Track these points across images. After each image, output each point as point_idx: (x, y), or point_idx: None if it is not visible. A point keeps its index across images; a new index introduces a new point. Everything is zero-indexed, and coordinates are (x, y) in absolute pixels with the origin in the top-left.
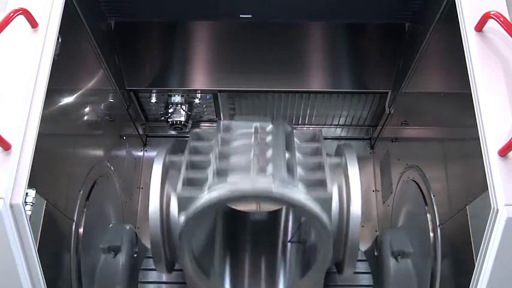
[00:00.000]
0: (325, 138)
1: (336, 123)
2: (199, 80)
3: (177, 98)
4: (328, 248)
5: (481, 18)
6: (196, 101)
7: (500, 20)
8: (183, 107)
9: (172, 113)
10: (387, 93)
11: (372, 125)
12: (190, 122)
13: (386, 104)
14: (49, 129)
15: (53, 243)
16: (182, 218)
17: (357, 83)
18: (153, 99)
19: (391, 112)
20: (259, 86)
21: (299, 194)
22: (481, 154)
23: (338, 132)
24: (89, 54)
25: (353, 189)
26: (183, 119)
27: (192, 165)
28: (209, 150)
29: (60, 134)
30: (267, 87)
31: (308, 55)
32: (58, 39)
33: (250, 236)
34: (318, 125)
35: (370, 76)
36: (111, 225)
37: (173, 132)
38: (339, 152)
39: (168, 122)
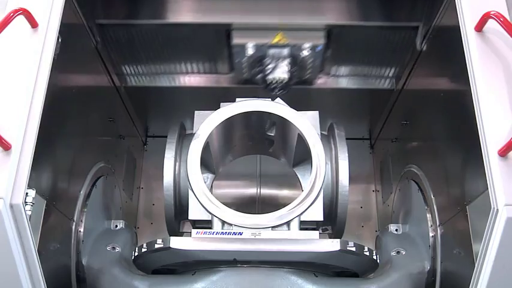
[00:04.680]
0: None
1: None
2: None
3: (277, 51)
4: None
5: (481, 18)
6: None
7: (500, 20)
8: (286, 61)
9: (273, 69)
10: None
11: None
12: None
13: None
14: (49, 129)
15: (53, 243)
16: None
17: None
18: (250, 51)
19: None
20: None
21: None
22: (481, 154)
23: None
24: (89, 54)
25: (341, 162)
26: (286, 76)
27: None
28: None
29: (60, 133)
30: None
31: None
32: (58, 39)
33: None
34: None
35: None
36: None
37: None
38: (330, 129)
39: (266, 80)
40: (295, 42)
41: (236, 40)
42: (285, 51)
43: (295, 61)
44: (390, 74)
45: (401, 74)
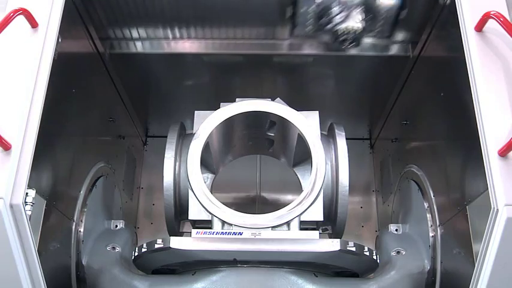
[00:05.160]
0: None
1: None
2: None
3: None
4: None
5: (481, 18)
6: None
7: (500, 20)
8: (359, 9)
9: (345, 18)
10: None
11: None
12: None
13: None
14: (49, 129)
15: (53, 243)
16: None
17: None
18: None
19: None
20: None
21: None
22: (481, 154)
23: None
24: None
25: (341, 162)
26: (359, 26)
27: None
28: None
29: (60, 134)
30: None
31: None
32: (58, 39)
33: None
34: None
35: None
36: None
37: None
38: (330, 129)
39: (336, 32)
40: None
41: None
42: None
43: (370, 9)
44: (407, 38)
45: (418, 39)
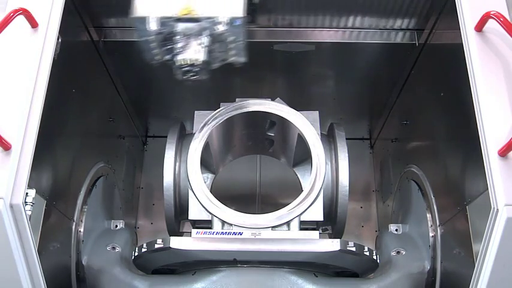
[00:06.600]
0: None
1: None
2: None
3: (188, 26)
4: None
5: (481, 18)
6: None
7: (500, 20)
8: (200, 38)
9: (183, 48)
10: None
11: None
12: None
13: None
14: (49, 129)
15: (53, 243)
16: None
17: None
18: (153, 26)
19: None
20: None
21: None
22: (481, 154)
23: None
24: (89, 54)
25: (341, 162)
26: (199, 57)
27: None
28: None
29: (60, 134)
30: None
31: None
32: (58, 39)
33: None
34: None
35: None
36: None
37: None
38: (330, 129)
39: (176, 63)
40: (208, 14)
41: (138, 12)
42: (197, 26)
43: (214, 38)
44: (412, 25)
45: (424, 26)
